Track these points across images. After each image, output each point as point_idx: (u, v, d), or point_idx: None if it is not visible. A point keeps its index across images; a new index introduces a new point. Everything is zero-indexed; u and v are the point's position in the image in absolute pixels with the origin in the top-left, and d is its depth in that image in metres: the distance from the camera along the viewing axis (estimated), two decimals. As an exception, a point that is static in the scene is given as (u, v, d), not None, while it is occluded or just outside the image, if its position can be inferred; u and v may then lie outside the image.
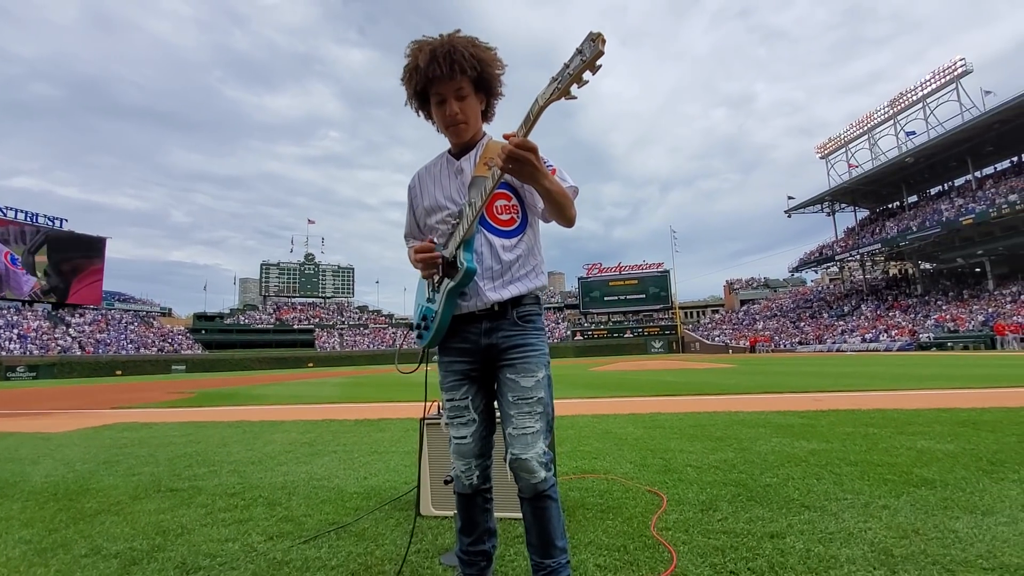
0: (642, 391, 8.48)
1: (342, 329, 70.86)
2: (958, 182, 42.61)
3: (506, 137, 1.38)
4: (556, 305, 75.28)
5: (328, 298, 79.19)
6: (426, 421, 2.73)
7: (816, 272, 57.82)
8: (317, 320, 71.86)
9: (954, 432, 3.96)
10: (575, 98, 1.20)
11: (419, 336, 1.74)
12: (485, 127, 1.75)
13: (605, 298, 69.88)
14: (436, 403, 2.96)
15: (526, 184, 1.53)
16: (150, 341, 54.99)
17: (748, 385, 8.84)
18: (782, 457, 3.41)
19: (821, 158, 51.89)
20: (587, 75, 1.15)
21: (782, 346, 42.63)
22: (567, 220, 1.58)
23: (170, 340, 57.72)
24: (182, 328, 63.55)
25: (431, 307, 1.70)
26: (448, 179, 1.70)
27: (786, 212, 53.53)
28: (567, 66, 1.18)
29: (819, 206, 51.98)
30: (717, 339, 54.02)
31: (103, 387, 18.96)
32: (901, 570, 1.85)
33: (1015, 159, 38.56)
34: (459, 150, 1.71)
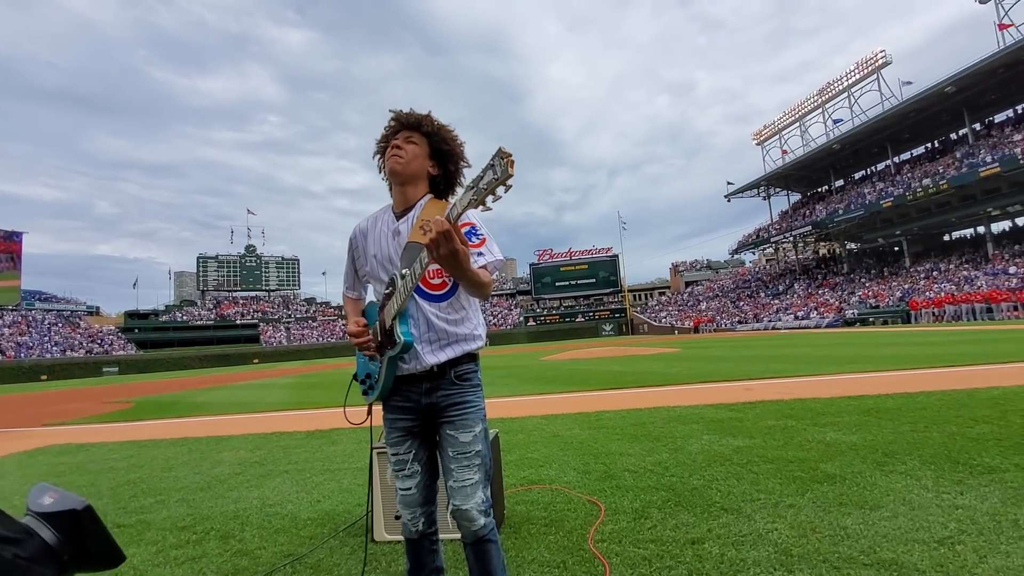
0: (590, 384, 8.79)
1: (288, 323, 68.62)
2: (879, 167, 45.73)
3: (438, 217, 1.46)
4: (508, 292, 75.69)
5: (272, 291, 76.37)
6: (376, 450, 2.83)
7: (754, 253, 61.01)
8: (261, 314, 69.22)
9: (859, 422, 4.43)
10: (490, 209, 1.32)
11: (365, 393, 1.83)
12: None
13: (556, 283, 70.85)
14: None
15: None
16: (77, 343, 51.40)
17: (688, 374, 9.34)
18: (710, 457, 3.73)
19: (757, 144, 54.29)
20: (500, 190, 1.27)
21: (723, 326, 44.75)
22: (481, 297, 1.69)
23: (99, 341, 54.14)
24: (112, 328, 59.70)
25: (373, 368, 1.79)
26: (386, 240, 1.77)
27: (726, 196, 55.85)
28: (480, 178, 1.29)
29: (756, 191, 54.51)
30: (664, 320, 56.00)
31: (30, 397, 17.67)
32: (797, 569, 2.14)
33: (929, 145, 41.75)
34: (400, 210, 1.80)
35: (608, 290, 69.81)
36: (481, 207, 1.30)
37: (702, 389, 7.29)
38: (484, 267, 1.65)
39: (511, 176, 1.21)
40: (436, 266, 1.71)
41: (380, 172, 1.82)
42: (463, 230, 1.60)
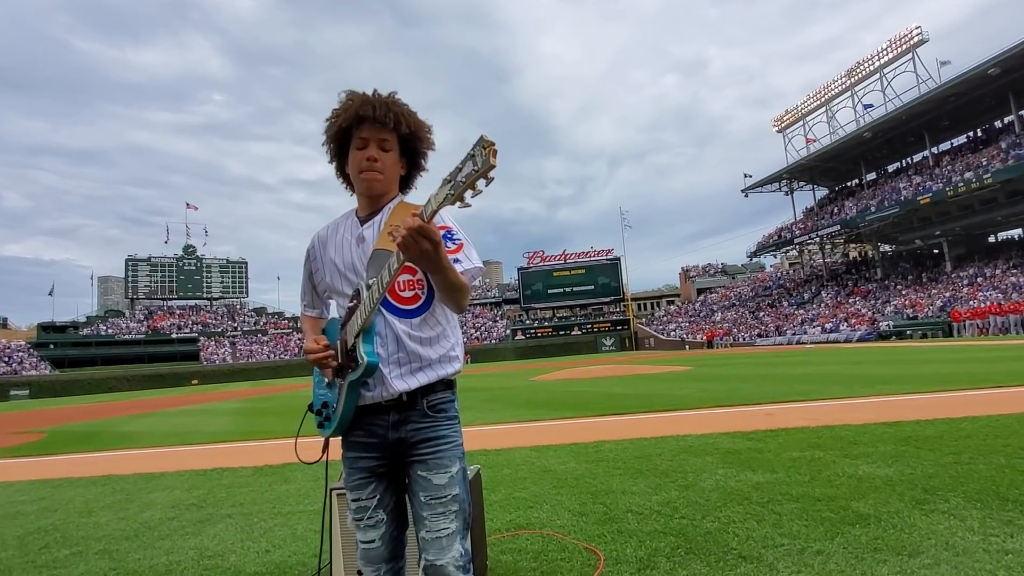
0: (587, 409, 8.82)
1: (234, 337, 67.96)
2: (916, 158, 46.76)
3: (411, 215, 1.46)
4: (493, 300, 75.85)
5: (215, 299, 75.63)
6: (335, 491, 2.79)
7: (775, 256, 61.87)
8: (202, 327, 68.49)
9: (896, 452, 4.49)
10: (469, 206, 1.33)
11: (320, 426, 1.81)
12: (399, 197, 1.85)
13: (549, 291, 71.16)
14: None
15: (421, 269, 1.63)
16: (-22, 361, 50.33)
17: (701, 396, 9.41)
18: (726, 494, 3.75)
19: (778, 131, 55.22)
20: (480, 183, 1.29)
21: (741, 339, 45.24)
22: (455, 308, 1.70)
23: (6, 359, 53.06)
24: (22, 343, 58.56)
25: (331, 396, 1.76)
26: (350, 248, 1.78)
27: (743, 191, 56.65)
28: (458, 170, 1.30)
29: (777, 184, 55.38)
30: (673, 333, 56.47)
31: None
32: (826, 628, 2.15)
33: (971, 134, 42.79)
34: (366, 214, 1.80)
35: (608, 298, 70.26)
36: (459, 203, 1.31)
37: (717, 415, 7.34)
38: (463, 273, 1.66)
39: (493, 167, 1.23)
40: (407, 276, 1.71)
41: (337, 175, 1.83)
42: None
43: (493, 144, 1.22)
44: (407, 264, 1.64)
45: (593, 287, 70.41)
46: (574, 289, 70.74)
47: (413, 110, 1.74)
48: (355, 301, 1.69)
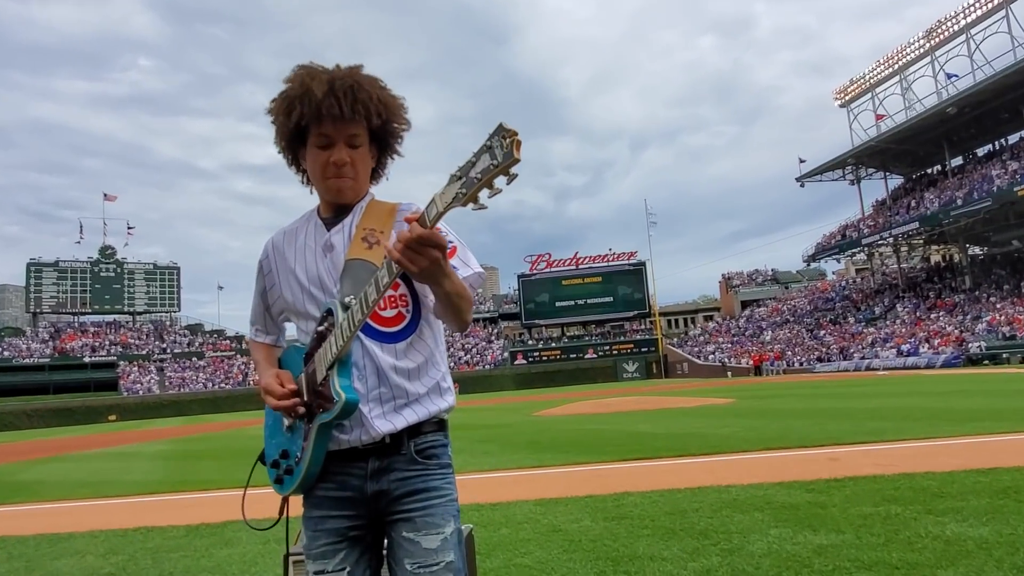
0: (606, 453, 8.84)
1: (163, 361, 67.90)
2: (1012, 139, 47.08)
3: (408, 221, 1.47)
4: (487, 315, 75.92)
5: (139, 314, 75.57)
6: (292, 558, 2.79)
7: (839, 261, 62.17)
8: (122, 348, 68.38)
9: (992, 507, 4.49)
10: (484, 207, 1.34)
11: (278, 481, 1.79)
12: (372, 189, 1.87)
13: (557, 303, 71.34)
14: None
15: (422, 283, 1.64)
16: None
17: (748, 437, 9.43)
18: (780, 561, 3.75)
19: (841, 106, 55.63)
20: (499, 181, 1.29)
21: (796, 364, 45.31)
22: (460, 324, 1.71)
23: None
24: None
25: (292, 443, 1.75)
26: (315, 257, 1.79)
27: (798, 180, 56.97)
28: (471, 164, 1.30)
29: (840, 172, 55.72)
30: (712, 357, 56.57)
31: None
32: None
33: (1078, 110, 43.09)
34: (333, 214, 1.81)
35: (631, 313, 70.44)
36: (472, 204, 1.32)
37: (767, 459, 7.34)
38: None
39: (516, 161, 1.24)
40: (389, 291, 1.72)
41: (290, 166, 1.85)
42: None
43: (516, 134, 1.23)
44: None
45: (612, 299, 70.58)
46: (588, 302, 70.90)
47: (382, 83, 1.75)
48: (326, 324, 1.70)
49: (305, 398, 1.72)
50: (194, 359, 69.31)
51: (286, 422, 1.78)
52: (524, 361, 66.96)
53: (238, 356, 70.63)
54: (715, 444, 8.86)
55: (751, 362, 48.86)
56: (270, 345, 2.00)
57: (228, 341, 74.53)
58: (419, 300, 1.78)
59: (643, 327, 70.66)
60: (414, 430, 1.73)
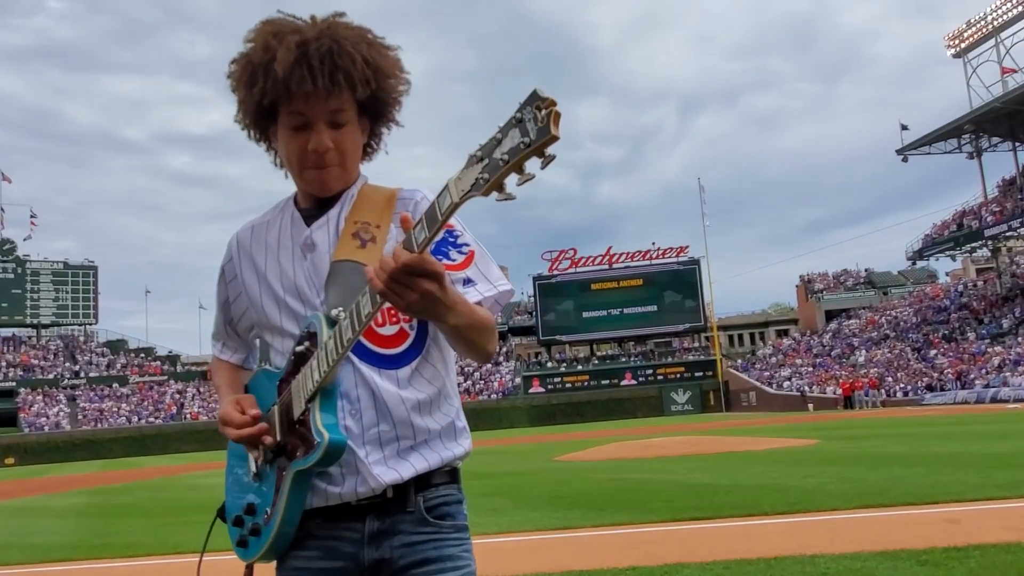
0: (652, 511, 8.81)
1: (75, 388, 68.29)
2: None
3: (404, 222, 1.45)
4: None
5: (45, 327, 76.16)
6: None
7: (954, 259, 61.82)
8: (23, 372, 68.88)
9: None
10: (513, 198, 1.32)
11: (241, 544, 1.78)
12: (362, 167, 1.88)
13: (584, 314, 71.42)
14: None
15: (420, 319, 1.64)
16: None
17: (838, 490, 9.36)
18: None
19: (955, 56, 55.44)
20: (532, 164, 1.27)
21: (899, 394, 45.06)
22: (479, 357, 1.71)
23: None
24: None
25: (260, 494, 1.75)
26: (291, 259, 1.81)
27: (899, 152, 56.78)
28: (497, 142, 1.27)
29: (954, 142, 55.48)
30: (787, 384, 56.30)
31: None
32: None
33: None
34: (315, 204, 1.82)
35: (681, 326, 70.42)
36: (497, 194, 1.30)
37: (865, 520, 7.27)
38: (479, 304, 1.66)
39: (555, 139, 1.21)
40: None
41: (271, 156, 1.88)
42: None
43: (554, 103, 1.20)
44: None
45: (656, 308, 70.59)
46: (625, 312, 70.96)
47: (370, 35, 1.74)
48: (306, 344, 1.69)
49: (278, 437, 1.71)
50: (115, 385, 69.67)
51: (253, 466, 1.77)
52: (542, 389, 67.02)
53: (171, 382, 71.00)
54: (795, 500, 8.79)
55: (840, 391, 48.56)
56: (235, 366, 2.00)
57: (159, 363, 74.96)
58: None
59: (697, 345, 70.64)
60: (423, 481, 1.72)
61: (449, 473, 1.78)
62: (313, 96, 1.68)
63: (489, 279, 1.73)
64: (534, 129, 1.21)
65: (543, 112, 1.21)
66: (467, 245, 1.73)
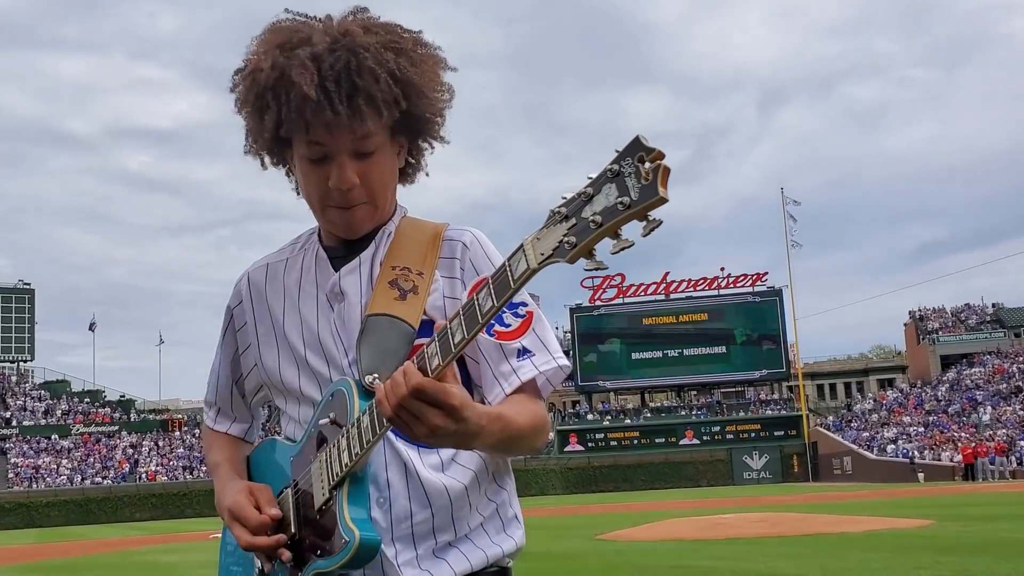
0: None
1: (5, 439, 68.77)
2: None
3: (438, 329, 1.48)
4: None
5: (-32, 365, 76.79)
6: None
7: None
8: (-59, 419, 69.46)
9: None
10: (604, 267, 1.31)
11: None
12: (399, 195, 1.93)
13: (634, 355, 71.14)
14: None
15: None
16: None
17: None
18: None
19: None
20: (631, 229, 1.26)
21: (1034, 462, 44.29)
22: (523, 454, 1.78)
23: None
24: None
25: None
26: (315, 308, 1.84)
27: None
28: (587, 199, 1.25)
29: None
30: (890, 448, 55.53)
31: None
32: None
33: None
34: (343, 243, 1.87)
35: (757, 373, 69.87)
36: (586, 260, 1.30)
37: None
38: (532, 383, 1.70)
39: (663, 201, 1.20)
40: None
41: (290, 182, 1.93)
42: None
43: (662, 156, 1.20)
44: (418, 339, 1.68)
45: (725, 350, 70.13)
46: (685, 353, 70.57)
47: (401, 36, 1.77)
48: (332, 415, 1.70)
49: (292, 530, 1.73)
50: (54, 437, 69.97)
51: (258, 563, 1.80)
52: (580, 447, 66.65)
53: (123, 433, 71.25)
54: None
55: (958, 457, 47.93)
56: (236, 439, 2.04)
57: (108, 410, 75.12)
58: (471, 380, 1.80)
59: (778, 397, 70.09)
60: None
61: (498, 571, 1.79)
62: (335, 125, 1.69)
63: (548, 349, 1.75)
64: (636, 187, 1.19)
65: (648, 166, 1.19)
66: (524, 305, 1.70)
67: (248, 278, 1.96)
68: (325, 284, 1.83)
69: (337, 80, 1.64)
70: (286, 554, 1.70)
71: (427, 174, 1.97)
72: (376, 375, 1.65)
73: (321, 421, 1.72)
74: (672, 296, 71.13)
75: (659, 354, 70.60)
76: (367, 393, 1.63)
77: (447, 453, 1.76)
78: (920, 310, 75.44)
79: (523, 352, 1.71)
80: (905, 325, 77.20)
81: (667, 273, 71.83)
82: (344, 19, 1.75)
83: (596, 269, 1.29)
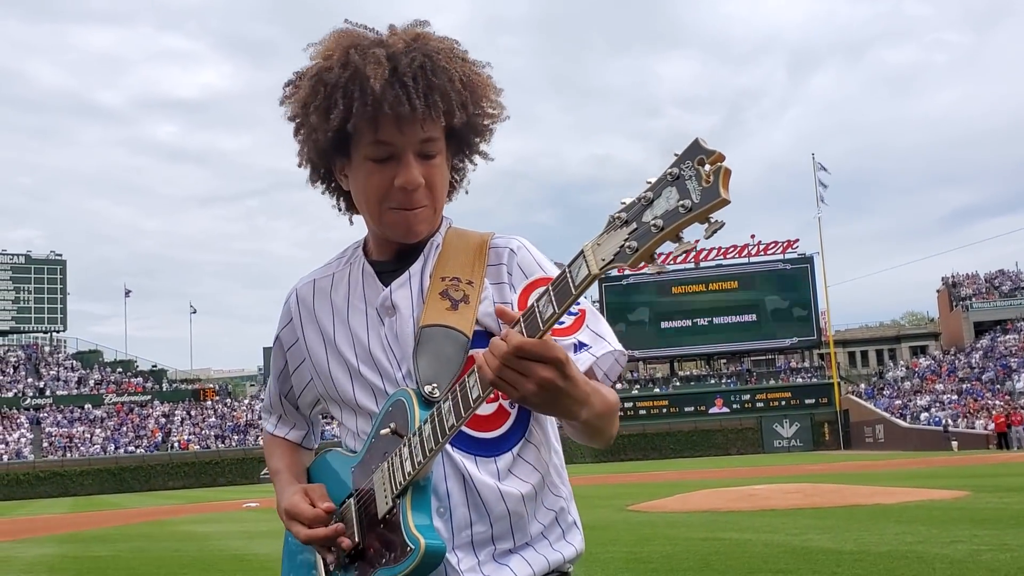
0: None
1: (39, 409, 69.58)
2: None
3: (502, 315, 1.50)
4: (551, 342, 76.17)
5: (3, 334, 77.70)
6: None
7: None
8: (-25, 390, 70.25)
9: None
10: (665, 271, 1.32)
11: None
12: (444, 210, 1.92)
13: (663, 324, 71.26)
14: None
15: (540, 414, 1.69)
16: None
17: (994, 563, 9.22)
18: None
19: None
20: (692, 231, 1.25)
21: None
22: (602, 443, 1.74)
23: None
24: None
25: None
26: (365, 322, 1.86)
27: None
28: (647, 203, 1.24)
29: None
30: (924, 416, 55.38)
31: None
32: None
33: None
34: (392, 256, 1.89)
35: (788, 341, 69.78)
36: (647, 265, 1.31)
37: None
38: (592, 374, 1.68)
39: (725, 203, 1.20)
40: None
41: (319, 186, 1.94)
42: (537, 291, 1.61)
43: (722, 158, 1.20)
44: (476, 348, 1.66)
45: (755, 318, 70.07)
46: (715, 322, 70.63)
47: (462, 50, 1.79)
48: (392, 425, 1.72)
49: (356, 539, 1.75)
50: (87, 407, 70.89)
51: (323, 572, 1.82)
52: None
53: (156, 402, 71.96)
54: (941, 574, 8.70)
55: (992, 426, 47.73)
56: (294, 444, 2.07)
57: (140, 379, 75.89)
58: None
59: (809, 364, 70.06)
60: None
61: None
62: (406, 122, 1.70)
63: (603, 338, 1.75)
64: (697, 190, 1.21)
65: (708, 168, 1.20)
66: (576, 304, 1.70)
67: (297, 296, 1.99)
68: (375, 299, 1.85)
69: (414, 77, 1.67)
70: (346, 542, 1.74)
71: (467, 191, 1.98)
72: (435, 385, 1.67)
73: (382, 431, 1.74)
74: (702, 264, 71.03)
75: (688, 323, 70.76)
76: (427, 403, 1.67)
77: (504, 463, 1.77)
78: (953, 276, 74.96)
79: (579, 346, 1.71)
80: (938, 292, 76.83)
81: (697, 240, 70.72)
82: (409, 29, 1.76)
83: (659, 272, 1.31)
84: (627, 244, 1.28)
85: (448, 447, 1.72)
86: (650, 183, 1.26)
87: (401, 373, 1.78)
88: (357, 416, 1.85)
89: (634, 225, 1.29)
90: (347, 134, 1.75)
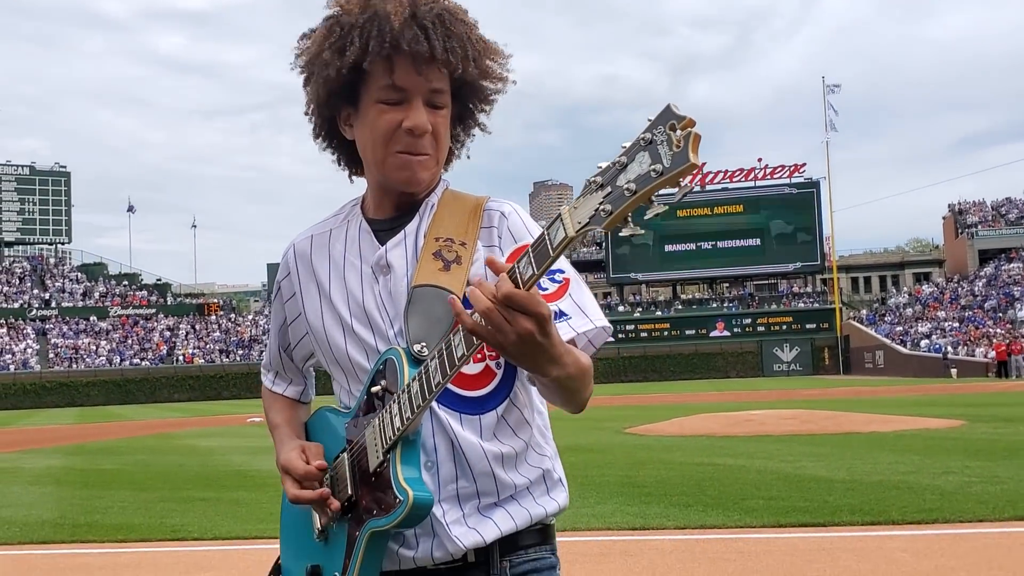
0: (747, 510, 8.88)
1: (45, 320, 69.84)
2: None
3: (491, 265, 1.51)
4: (555, 263, 76.23)
5: (8, 245, 77.68)
6: None
7: None
8: (-20, 301, 70.43)
9: None
10: (640, 232, 1.35)
11: None
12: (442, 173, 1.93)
13: (667, 247, 71.06)
14: None
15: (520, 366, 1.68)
16: None
17: (986, 493, 9.29)
18: None
19: None
20: (665, 197, 1.29)
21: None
22: (572, 408, 1.76)
23: None
24: None
25: (329, 555, 1.85)
26: (360, 280, 1.88)
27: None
28: (621, 167, 1.28)
29: None
30: (924, 343, 55.51)
31: None
32: None
33: None
34: (390, 213, 1.91)
35: (791, 266, 69.72)
36: (624, 227, 1.35)
37: (1022, 536, 7.22)
38: (572, 343, 1.70)
39: (694, 168, 1.25)
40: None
41: (321, 143, 1.96)
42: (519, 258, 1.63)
43: (693, 123, 1.24)
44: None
45: (759, 242, 69.91)
46: (719, 245, 70.45)
47: (476, 23, 1.81)
48: (383, 383, 1.76)
49: (349, 491, 1.79)
50: (93, 319, 71.16)
51: (317, 523, 1.87)
52: (610, 339, 66.79)
53: (160, 316, 72.17)
54: (931, 506, 8.73)
55: (994, 354, 47.80)
56: (292, 400, 2.10)
57: (145, 292, 76.01)
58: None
59: (811, 290, 70.03)
60: (509, 542, 1.79)
61: (540, 532, 1.84)
62: (422, 63, 1.73)
63: (586, 313, 1.76)
64: (668, 155, 1.24)
65: (679, 134, 1.22)
66: (561, 272, 1.76)
67: (294, 249, 2.00)
68: (370, 257, 1.87)
69: (433, 22, 1.71)
70: (335, 503, 1.78)
71: (468, 156, 2.00)
72: (424, 344, 1.71)
73: (373, 388, 1.78)
74: (707, 187, 70.81)
75: (691, 247, 70.58)
76: (416, 361, 1.70)
77: (488, 421, 1.80)
78: (959, 203, 74.46)
79: (559, 315, 1.70)
80: (944, 219, 76.38)
81: (703, 164, 71.33)
82: None
83: (632, 234, 1.35)
84: (602, 207, 1.32)
85: (435, 404, 1.75)
86: (624, 148, 1.30)
87: (393, 331, 1.80)
88: (348, 372, 1.88)
89: (609, 189, 1.33)
90: (358, 77, 1.77)
